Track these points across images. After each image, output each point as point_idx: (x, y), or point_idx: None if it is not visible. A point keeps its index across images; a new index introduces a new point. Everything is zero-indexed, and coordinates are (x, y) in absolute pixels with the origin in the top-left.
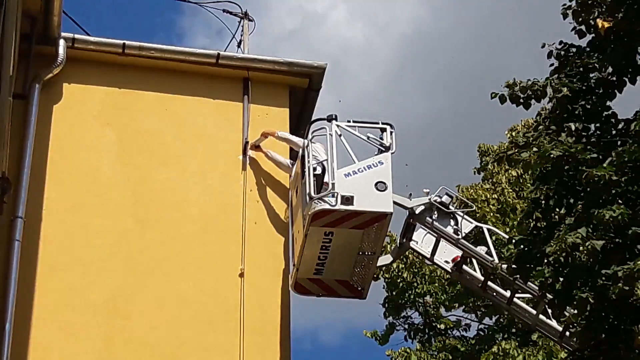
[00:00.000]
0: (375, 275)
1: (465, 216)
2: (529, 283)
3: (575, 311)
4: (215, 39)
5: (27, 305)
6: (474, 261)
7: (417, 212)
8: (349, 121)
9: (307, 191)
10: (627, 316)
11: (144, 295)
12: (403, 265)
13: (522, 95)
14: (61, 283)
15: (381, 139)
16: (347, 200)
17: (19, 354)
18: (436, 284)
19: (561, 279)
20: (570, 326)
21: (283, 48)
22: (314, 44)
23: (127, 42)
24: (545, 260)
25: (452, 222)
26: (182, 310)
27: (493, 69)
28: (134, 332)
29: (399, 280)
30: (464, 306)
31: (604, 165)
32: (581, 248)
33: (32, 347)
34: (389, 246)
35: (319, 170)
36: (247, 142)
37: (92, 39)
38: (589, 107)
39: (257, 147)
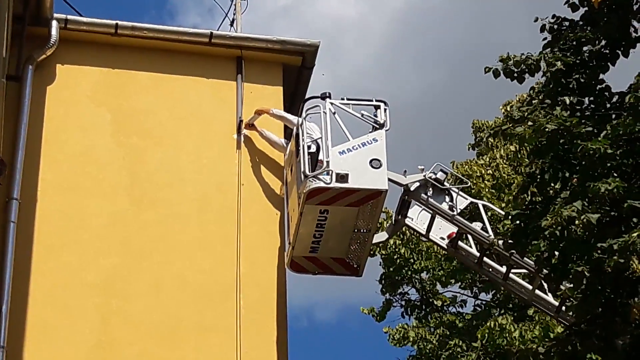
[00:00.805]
0: (371, 252)
1: (460, 192)
2: (525, 258)
3: (571, 285)
4: (206, 17)
5: (24, 286)
6: (470, 237)
7: (412, 189)
8: (342, 99)
9: (302, 169)
10: (623, 289)
11: (140, 276)
12: (400, 242)
13: (515, 70)
14: (57, 264)
15: (375, 116)
16: (342, 178)
17: (16, 335)
18: (432, 260)
19: (557, 253)
20: (567, 300)
21: (276, 25)
22: (307, 21)
23: (119, 23)
24: (541, 235)
25: (447, 199)
26: (179, 289)
27: (487, 43)
28: (131, 313)
29: (395, 257)
30: (460, 282)
31: (599, 138)
32: (577, 222)
33: (29, 328)
34: (384, 223)
35: (313, 149)
36: (241, 121)
37: (84, 19)
38: (582, 80)
39: (251, 126)
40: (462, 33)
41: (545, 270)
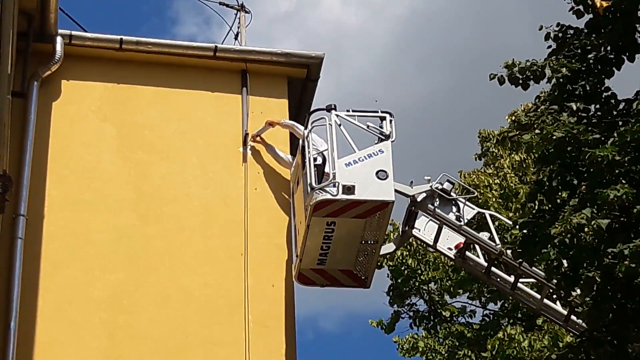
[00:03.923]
0: (378, 264)
1: (467, 202)
2: (534, 267)
3: (582, 292)
4: (203, 27)
5: (31, 302)
6: (477, 247)
7: (418, 199)
8: (348, 110)
9: (308, 182)
10: (634, 296)
11: (147, 290)
12: (407, 253)
13: (520, 76)
14: (64, 280)
15: (381, 127)
16: (349, 189)
17: (24, 351)
18: (440, 271)
19: (566, 261)
20: (576, 309)
21: (277, 31)
22: (309, 27)
23: (124, 37)
24: (551, 243)
25: (454, 209)
26: (186, 304)
27: (491, 47)
28: (138, 328)
29: (403, 268)
30: (468, 292)
31: (607, 145)
32: (586, 229)
33: (37, 344)
34: (391, 234)
35: (319, 161)
36: (247, 134)
37: (89, 35)
38: (588, 87)
39: (259, 138)
40: (465, 37)
41: (554, 279)
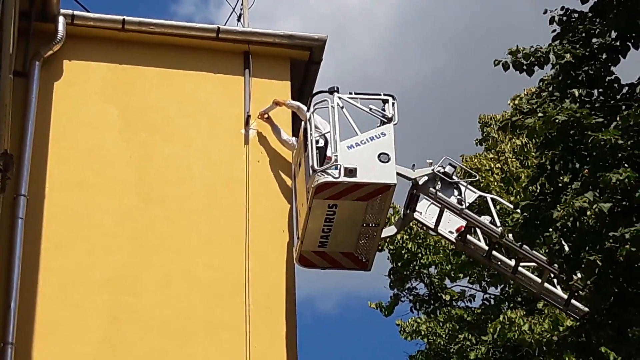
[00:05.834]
0: (379, 247)
1: (469, 186)
2: (534, 251)
3: (583, 275)
4: (200, 7)
5: (32, 283)
6: (478, 231)
7: (420, 182)
8: (350, 93)
9: (310, 164)
10: (635, 279)
11: (149, 272)
12: (407, 236)
13: (525, 62)
14: (66, 261)
15: (383, 110)
16: (350, 172)
17: (25, 332)
18: (441, 255)
19: (568, 244)
20: (576, 293)
21: (279, 10)
22: (311, 6)
23: (126, 18)
24: (553, 226)
25: (456, 192)
26: (188, 286)
27: (495, 26)
28: (140, 309)
29: (403, 252)
30: (468, 277)
31: (610, 129)
32: (588, 212)
33: (38, 325)
34: (392, 217)
35: (321, 143)
36: (249, 116)
37: (91, 15)
38: (592, 72)
39: (266, 117)
40: (468, 17)
41: (556, 263)
